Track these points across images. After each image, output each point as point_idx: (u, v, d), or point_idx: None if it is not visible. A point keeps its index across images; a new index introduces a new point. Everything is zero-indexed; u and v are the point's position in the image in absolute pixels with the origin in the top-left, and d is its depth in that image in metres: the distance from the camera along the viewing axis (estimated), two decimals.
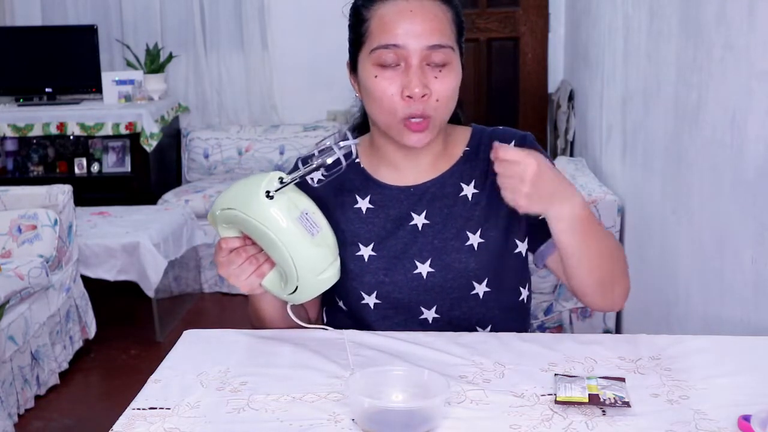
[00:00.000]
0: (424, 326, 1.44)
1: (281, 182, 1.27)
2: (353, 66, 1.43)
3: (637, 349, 1.34)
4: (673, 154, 2.43)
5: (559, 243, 1.35)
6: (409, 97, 1.33)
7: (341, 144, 1.29)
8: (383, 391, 1.14)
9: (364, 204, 1.47)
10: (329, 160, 1.29)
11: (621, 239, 3.09)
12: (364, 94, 1.40)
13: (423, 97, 1.33)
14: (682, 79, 2.34)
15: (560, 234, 1.33)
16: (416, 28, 1.33)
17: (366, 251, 1.44)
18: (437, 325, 1.45)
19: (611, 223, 3.06)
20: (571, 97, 4.38)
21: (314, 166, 1.29)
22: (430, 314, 1.45)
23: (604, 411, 1.13)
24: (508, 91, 5.06)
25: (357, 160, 1.48)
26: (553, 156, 4.67)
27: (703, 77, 2.16)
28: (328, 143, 1.30)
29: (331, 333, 1.42)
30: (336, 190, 1.48)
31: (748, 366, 1.26)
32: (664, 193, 2.54)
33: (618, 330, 3.12)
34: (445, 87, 1.35)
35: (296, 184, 1.31)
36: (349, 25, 1.43)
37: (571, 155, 4.34)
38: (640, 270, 2.90)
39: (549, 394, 1.19)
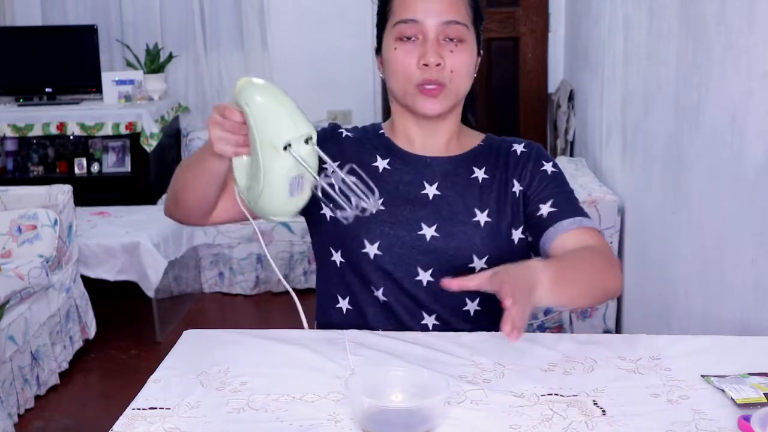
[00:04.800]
0: (418, 287, 1.48)
1: (305, 142, 1.29)
2: (379, 47, 1.53)
3: (637, 349, 1.34)
4: (673, 154, 2.43)
5: (555, 306, 1.43)
6: (425, 65, 1.43)
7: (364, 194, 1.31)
8: (383, 391, 1.14)
9: (382, 164, 1.54)
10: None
11: (621, 239, 3.09)
12: (386, 67, 1.50)
13: (438, 66, 1.44)
14: (682, 79, 2.34)
15: (551, 302, 1.37)
16: (433, 6, 1.45)
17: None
18: (430, 289, 1.47)
19: (611, 223, 3.06)
20: (571, 97, 4.38)
21: (337, 173, 1.30)
22: (425, 276, 1.48)
23: (604, 411, 1.13)
24: (508, 91, 5.06)
25: (381, 131, 1.59)
26: (553, 156, 4.67)
27: (703, 77, 2.16)
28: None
29: (331, 333, 1.43)
30: (359, 148, 1.56)
31: (748, 366, 1.26)
32: (664, 193, 2.54)
33: (618, 330, 3.12)
34: (459, 61, 1.46)
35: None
36: (378, 8, 1.54)
37: (571, 155, 4.34)
38: (640, 270, 2.90)
39: (549, 394, 1.19)
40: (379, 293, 1.49)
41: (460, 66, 1.46)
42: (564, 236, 1.46)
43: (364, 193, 1.30)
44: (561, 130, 4.51)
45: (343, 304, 1.53)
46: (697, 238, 2.24)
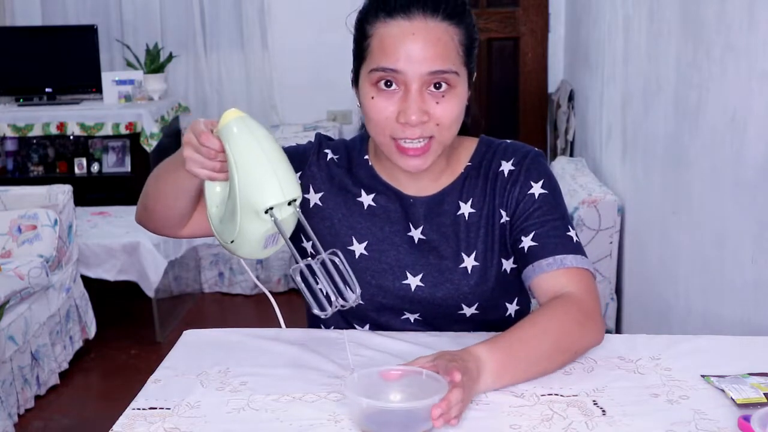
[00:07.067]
0: (406, 324, 1.45)
1: (289, 203, 1.21)
2: (356, 77, 1.38)
3: (637, 349, 1.34)
4: (673, 154, 2.43)
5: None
6: (405, 122, 1.29)
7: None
8: (382, 391, 1.14)
9: (367, 200, 1.45)
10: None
11: (621, 239, 3.09)
12: (363, 109, 1.36)
13: (422, 122, 1.29)
14: (682, 79, 2.34)
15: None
16: (417, 54, 1.27)
17: (358, 248, 1.44)
18: (419, 325, 1.45)
19: (611, 223, 3.06)
20: (571, 97, 4.38)
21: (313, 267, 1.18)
22: (412, 316, 1.45)
23: (604, 411, 1.14)
24: (508, 91, 5.06)
25: (366, 157, 1.47)
26: (553, 156, 4.67)
27: (703, 77, 2.16)
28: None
29: (332, 333, 1.43)
30: (343, 178, 1.47)
31: (748, 366, 1.26)
32: (664, 193, 2.54)
33: (618, 330, 3.12)
34: (446, 112, 1.30)
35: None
36: (354, 37, 1.37)
37: (571, 155, 4.34)
38: (640, 270, 2.90)
39: (549, 394, 1.19)
40: (366, 328, 1.47)
41: (448, 117, 1.30)
42: (542, 278, 1.36)
43: (345, 282, 1.17)
44: (561, 130, 4.51)
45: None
46: (697, 238, 2.24)
